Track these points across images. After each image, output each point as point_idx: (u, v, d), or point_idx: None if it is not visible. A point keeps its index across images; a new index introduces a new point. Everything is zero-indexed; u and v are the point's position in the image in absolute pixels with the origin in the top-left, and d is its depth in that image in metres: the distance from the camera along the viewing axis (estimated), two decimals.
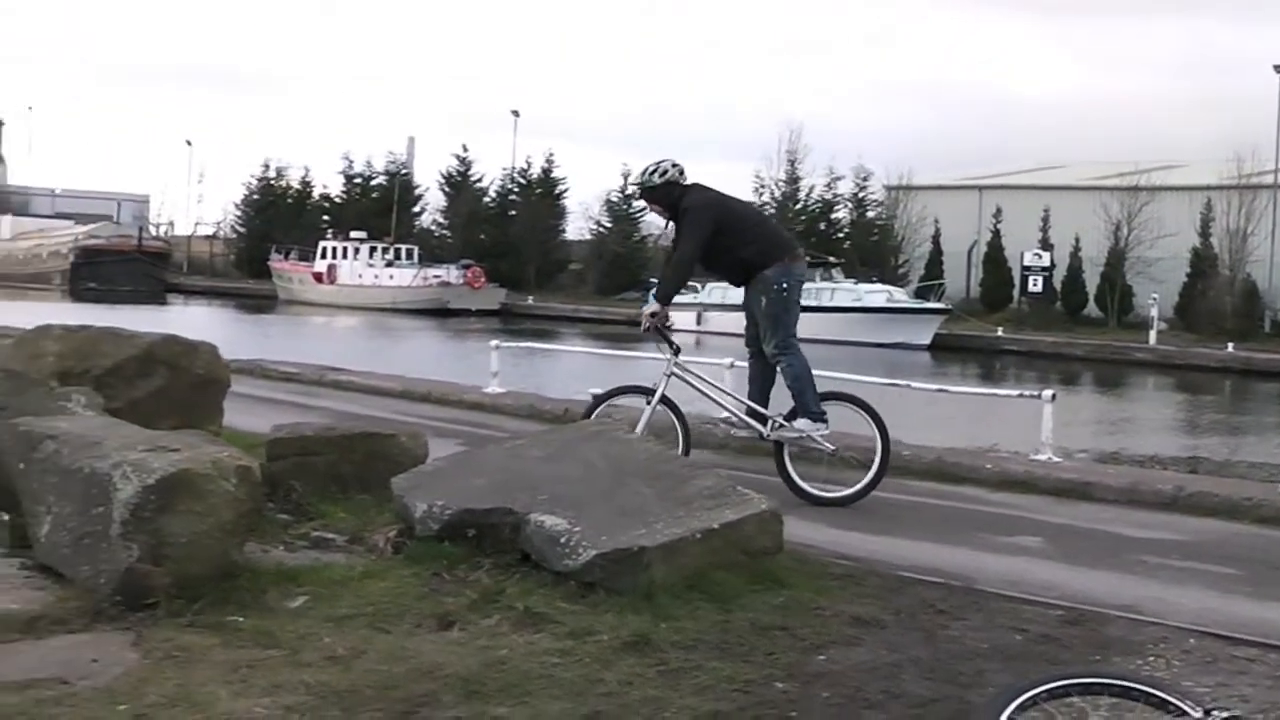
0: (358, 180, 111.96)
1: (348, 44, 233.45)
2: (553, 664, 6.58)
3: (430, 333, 63.67)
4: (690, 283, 69.41)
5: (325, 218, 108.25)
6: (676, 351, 12.31)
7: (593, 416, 12.52)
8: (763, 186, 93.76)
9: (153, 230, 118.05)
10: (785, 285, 12.02)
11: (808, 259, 51.51)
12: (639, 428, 11.83)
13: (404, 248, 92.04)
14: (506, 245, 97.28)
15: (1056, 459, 14.56)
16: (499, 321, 74.07)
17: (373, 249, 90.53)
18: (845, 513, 11.64)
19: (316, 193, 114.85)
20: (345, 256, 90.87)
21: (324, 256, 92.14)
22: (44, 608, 7.12)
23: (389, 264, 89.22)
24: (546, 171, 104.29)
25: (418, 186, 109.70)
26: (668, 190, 12.04)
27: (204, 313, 78.08)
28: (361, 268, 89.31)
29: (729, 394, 12.64)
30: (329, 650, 6.58)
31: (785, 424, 11.99)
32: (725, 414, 12.63)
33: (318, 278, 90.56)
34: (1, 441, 8.50)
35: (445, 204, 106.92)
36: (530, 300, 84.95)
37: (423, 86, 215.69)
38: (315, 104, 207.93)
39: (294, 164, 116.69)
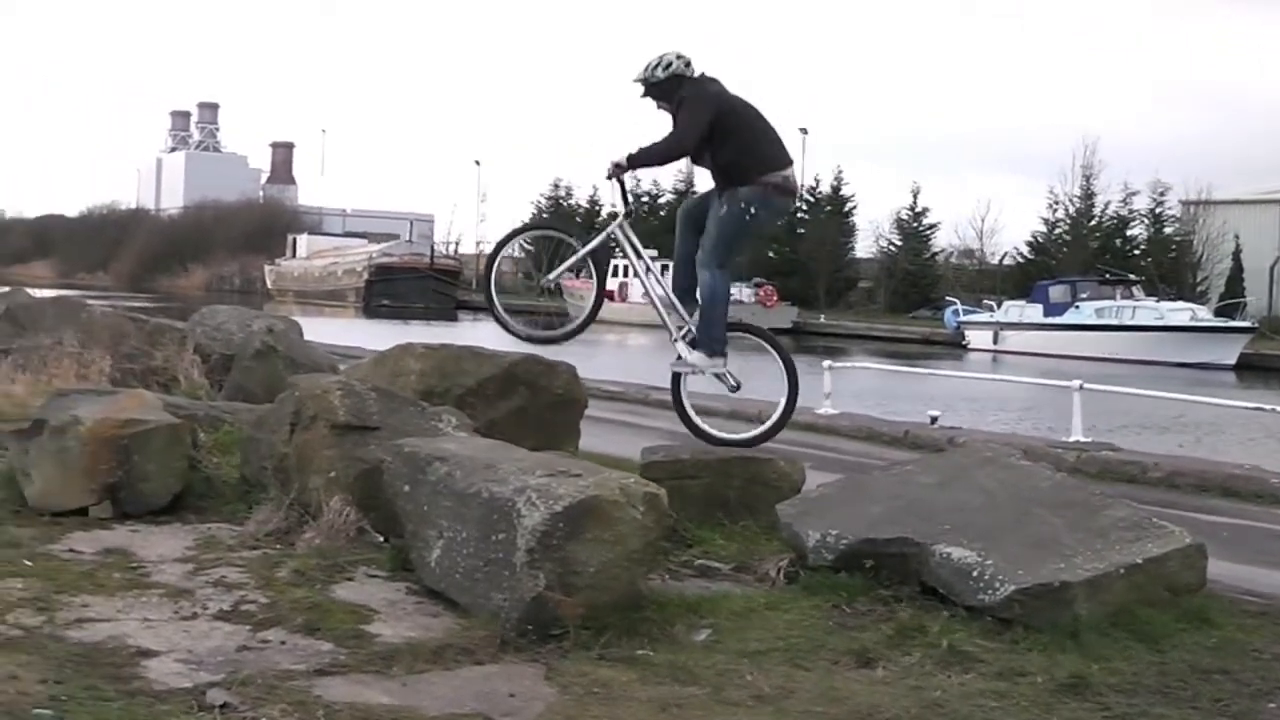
0: (645, 199, 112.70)
1: (629, 57, 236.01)
2: (991, 707, 6.19)
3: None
4: (986, 301, 68.54)
5: None
6: (629, 215, 11.17)
7: (507, 246, 11.70)
8: (1056, 203, 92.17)
9: (441, 249, 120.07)
10: (753, 210, 10.55)
11: (1106, 276, 50.24)
12: (556, 272, 11.26)
13: None
14: (796, 263, 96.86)
15: None
16: (791, 340, 73.68)
17: (664, 267, 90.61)
18: (1234, 546, 10.98)
19: (604, 210, 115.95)
20: (636, 275, 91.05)
21: (615, 275, 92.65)
22: (448, 636, 6.93)
23: None
24: (836, 189, 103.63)
25: None
26: (674, 85, 10.58)
27: (497, 330, 78.84)
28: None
29: (658, 278, 11.32)
30: (754, 689, 6.26)
31: (684, 351, 10.79)
32: (645, 295, 11.62)
33: (610, 296, 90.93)
34: (385, 462, 8.37)
35: None
36: (822, 319, 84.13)
37: None
38: (599, 123, 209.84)
39: (581, 183, 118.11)
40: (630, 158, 10.52)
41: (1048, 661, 6.76)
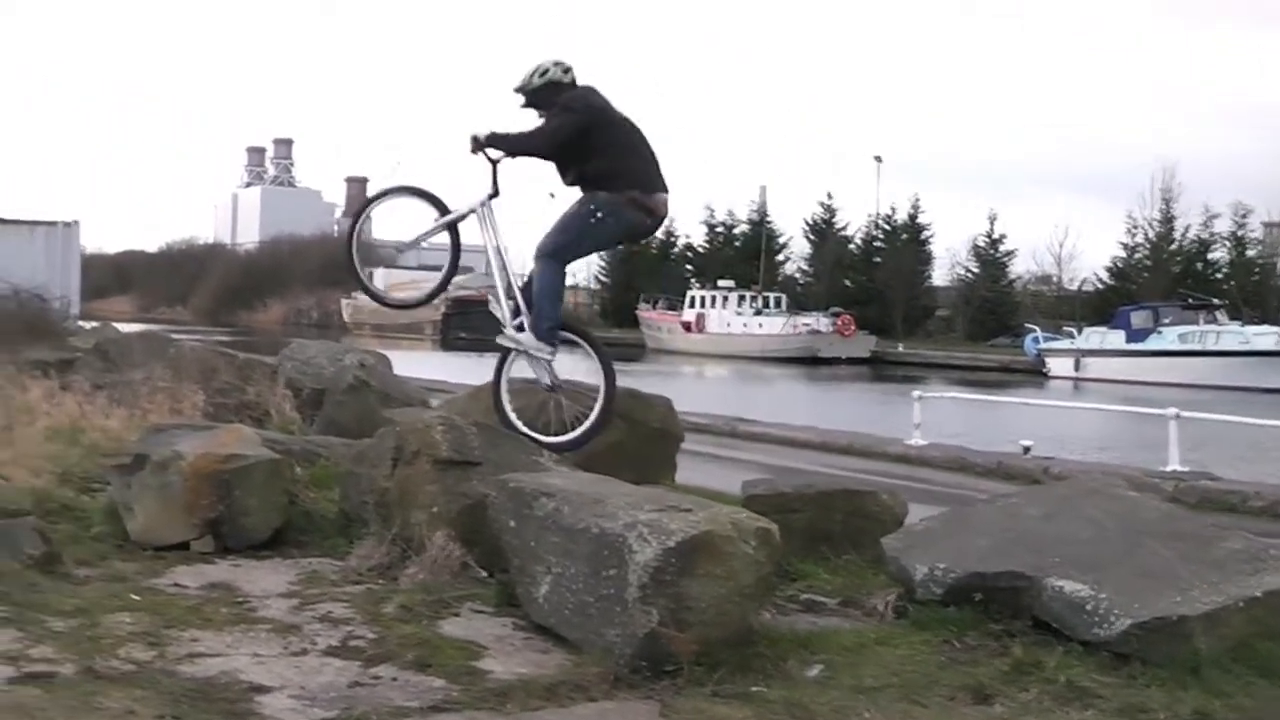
0: (720, 229, 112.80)
1: (703, 92, 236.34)
2: None
3: (804, 381, 63.24)
4: (1066, 328, 67.90)
5: (689, 267, 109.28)
6: (493, 197, 10.56)
7: (364, 213, 11.40)
8: (1135, 227, 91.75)
9: (517, 281, 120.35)
10: (599, 214, 10.13)
11: (1189, 300, 49.88)
12: (416, 237, 10.77)
13: (772, 296, 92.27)
14: (873, 291, 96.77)
15: None
16: (869, 369, 73.51)
17: (741, 297, 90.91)
18: None
19: (680, 242, 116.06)
20: (714, 305, 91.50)
21: (692, 306, 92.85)
22: (561, 673, 6.88)
23: (758, 312, 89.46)
24: (912, 217, 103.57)
25: (779, 234, 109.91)
26: (551, 93, 10.26)
27: (573, 361, 78.99)
28: (730, 316, 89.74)
29: (508, 268, 10.76)
30: None
31: (513, 331, 10.46)
32: (493, 284, 10.82)
33: (686, 327, 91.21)
34: (490, 497, 8.35)
35: (809, 251, 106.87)
36: (900, 348, 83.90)
37: (779, 132, 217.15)
38: (673, 152, 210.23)
39: None
40: (490, 135, 10.18)
41: (1169, 698, 6.64)
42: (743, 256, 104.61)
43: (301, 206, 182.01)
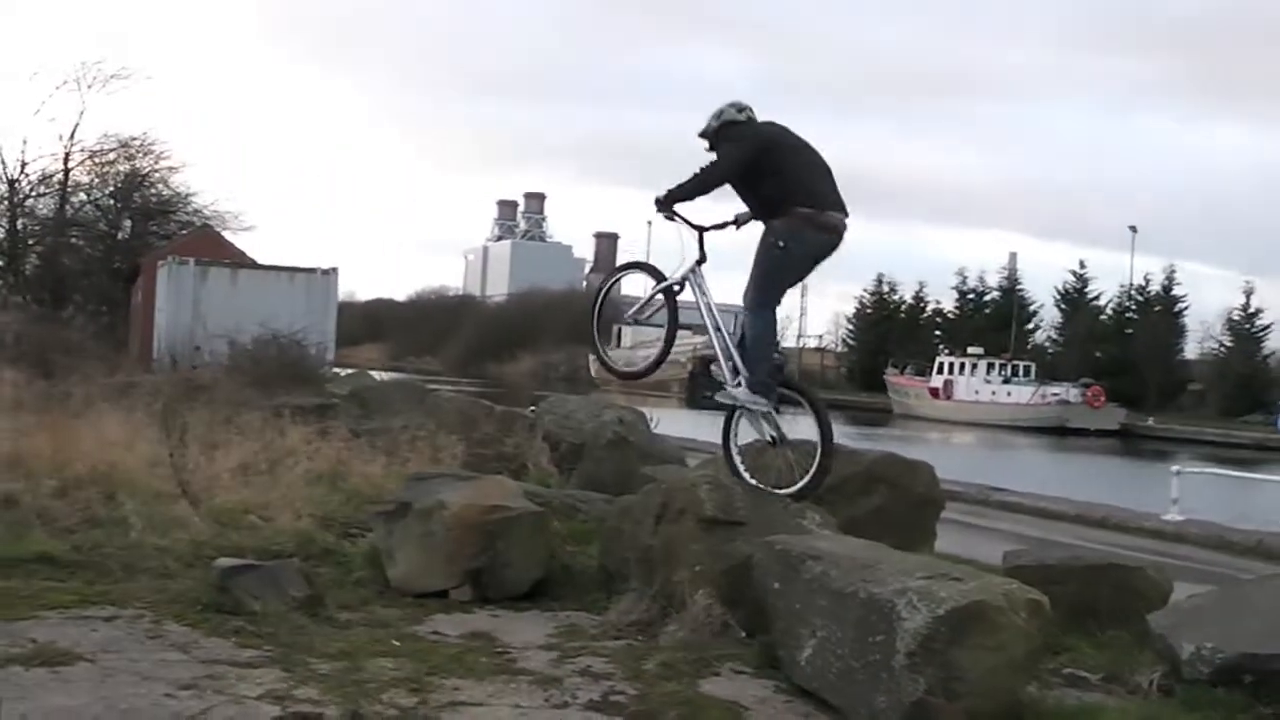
0: (971, 296, 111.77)
1: (949, 157, 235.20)
2: None
3: (1051, 451, 62.35)
4: None
5: (938, 333, 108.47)
6: (701, 261, 10.56)
7: (605, 291, 11.35)
8: None
9: None
10: (782, 244, 10.09)
11: None
12: (636, 309, 10.98)
13: (1021, 364, 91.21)
14: (1124, 363, 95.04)
15: None
16: (1118, 442, 72.11)
17: (990, 365, 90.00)
18: None
19: (930, 308, 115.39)
20: (962, 372, 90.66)
21: (940, 372, 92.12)
22: None
23: (1006, 381, 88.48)
24: (1166, 288, 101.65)
25: (1031, 303, 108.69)
26: (729, 133, 10.29)
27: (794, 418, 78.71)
28: (979, 384, 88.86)
29: (725, 332, 10.53)
30: None
31: (730, 386, 10.35)
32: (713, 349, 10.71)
33: (934, 393, 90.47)
34: (754, 558, 8.35)
35: (1060, 320, 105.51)
36: (1150, 421, 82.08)
37: (1026, 199, 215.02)
38: (922, 219, 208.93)
39: (906, 279, 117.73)
40: (668, 192, 10.25)
41: None
42: (992, 323, 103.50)
43: (552, 261, 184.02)
